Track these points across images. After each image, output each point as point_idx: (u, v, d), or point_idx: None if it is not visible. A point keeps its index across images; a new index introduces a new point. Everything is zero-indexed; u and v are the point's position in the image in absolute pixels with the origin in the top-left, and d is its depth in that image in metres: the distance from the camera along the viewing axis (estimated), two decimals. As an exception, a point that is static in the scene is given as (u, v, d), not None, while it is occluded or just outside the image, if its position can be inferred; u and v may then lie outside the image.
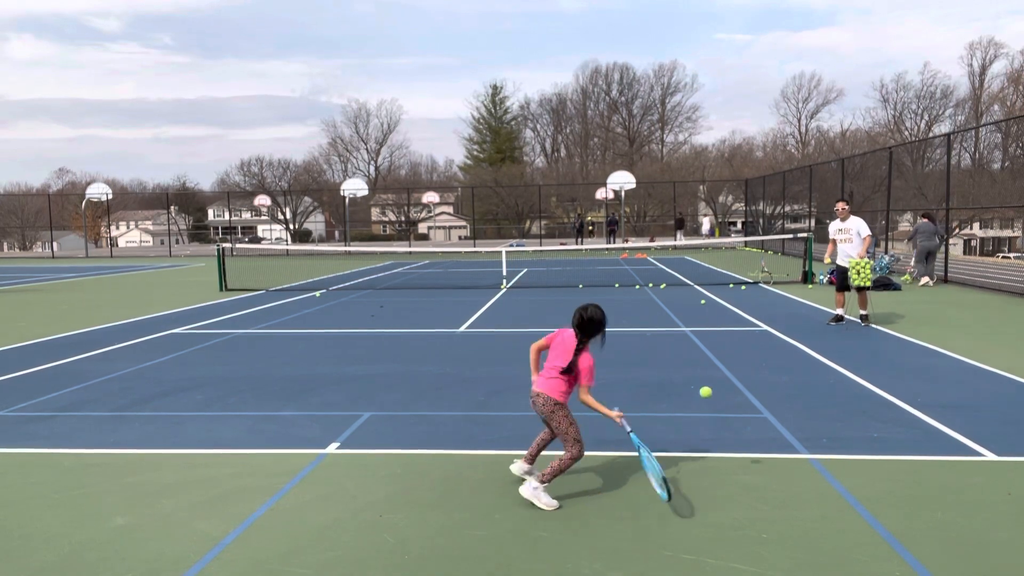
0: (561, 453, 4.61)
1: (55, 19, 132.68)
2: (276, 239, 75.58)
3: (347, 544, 4.07)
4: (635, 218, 65.86)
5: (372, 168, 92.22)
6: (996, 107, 66.23)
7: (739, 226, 61.46)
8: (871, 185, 29.25)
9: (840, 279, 11.42)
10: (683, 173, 65.53)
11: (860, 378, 7.70)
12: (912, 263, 18.82)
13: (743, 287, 17.26)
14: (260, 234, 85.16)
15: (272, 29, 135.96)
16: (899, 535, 4.03)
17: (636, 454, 5.46)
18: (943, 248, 18.72)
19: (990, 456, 5.28)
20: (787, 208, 34.87)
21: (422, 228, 79.54)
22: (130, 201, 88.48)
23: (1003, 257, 45.23)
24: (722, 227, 59.84)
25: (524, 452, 5.06)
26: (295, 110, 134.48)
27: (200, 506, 4.63)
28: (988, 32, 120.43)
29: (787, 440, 5.70)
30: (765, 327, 11.22)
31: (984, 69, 70.39)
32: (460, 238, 76.03)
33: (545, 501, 4.46)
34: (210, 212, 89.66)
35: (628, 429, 4.58)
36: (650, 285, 18.00)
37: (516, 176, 73.78)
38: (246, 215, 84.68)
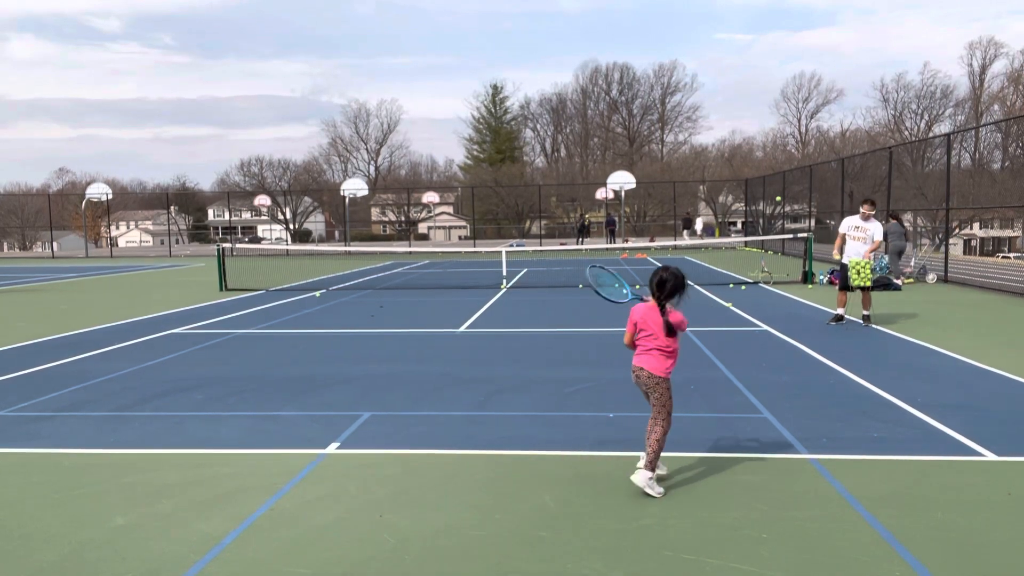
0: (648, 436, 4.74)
1: (55, 19, 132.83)
2: (276, 239, 75.57)
3: (347, 544, 4.07)
4: (635, 218, 65.87)
5: (372, 168, 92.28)
6: (996, 107, 66.24)
7: (739, 226, 61.47)
8: (871, 185, 29.24)
9: (843, 277, 11.40)
10: (683, 173, 65.54)
11: (860, 378, 7.70)
12: (912, 263, 18.83)
13: (743, 287, 17.27)
14: (260, 234, 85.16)
15: (273, 29, 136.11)
16: (899, 535, 4.03)
17: (642, 453, 5.46)
18: (943, 248, 18.73)
19: (990, 456, 5.28)
20: (787, 208, 34.87)
21: (422, 228, 79.54)
22: (130, 201, 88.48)
23: (1003, 257, 45.22)
24: (722, 227, 59.86)
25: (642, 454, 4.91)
26: (295, 110, 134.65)
27: (200, 506, 4.63)
28: (989, 32, 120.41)
29: (787, 440, 5.70)
30: (765, 327, 11.22)
31: (984, 69, 70.45)
32: (460, 238, 76.03)
33: (656, 491, 4.60)
34: (210, 212, 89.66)
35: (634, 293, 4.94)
36: (650, 285, 17.97)
37: (516, 176, 73.79)
38: (246, 215, 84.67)
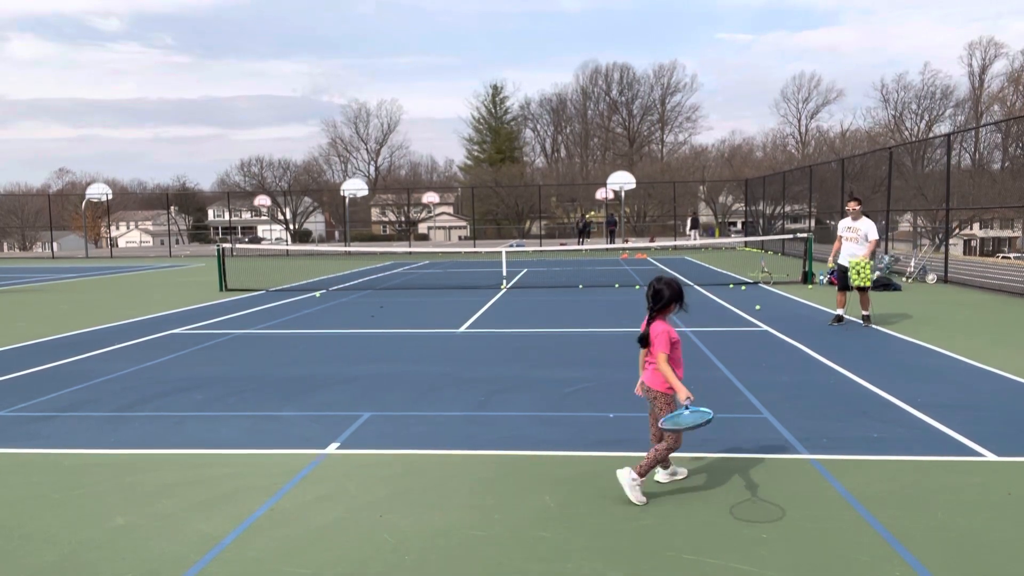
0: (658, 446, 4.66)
1: (56, 19, 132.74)
2: (276, 239, 75.57)
3: (347, 544, 4.07)
4: (635, 218, 65.88)
5: (372, 168, 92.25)
6: (996, 107, 66.25)
7: (739, 226, 61.48)
8: (871, 185, 29.23)
9: (841, 278, 11.41)
10: (683, 173, 65.53)
11: (860, 378, 7.70)
12: (912, 263, 18.83)
13: (743, 287, 17.26)
14: (260, 234, 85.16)
15: (273, 29, 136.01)
16: (899, 535, 4.03)
17: (645, 454, 5.46)
18: (943, 248, 18.72)
19: (990, 456, 5.28)
20: (787, 208, 34.87)
21: (422, 228, 79.53)
22: (130, 201, 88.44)
23: (1003, 257, 45.23)
24: (722, 227, 59.86)
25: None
26: (296, 110, 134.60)
27: (200, 506, 4.63)
28: (990, 32, 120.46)
29: (787, 440, 5.70)
30: (765, 327, 11.22)
31: (984, 69, 70.45)
32: (460, 238, 76.02)
33: (636, 496, 4.50)
34: (210, 212, 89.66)
35: (687, 409, 4.44)
36: (650, 285, 17.98)
37: (516, 176, 73.76)
38: (246, 215, 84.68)
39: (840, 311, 11.49)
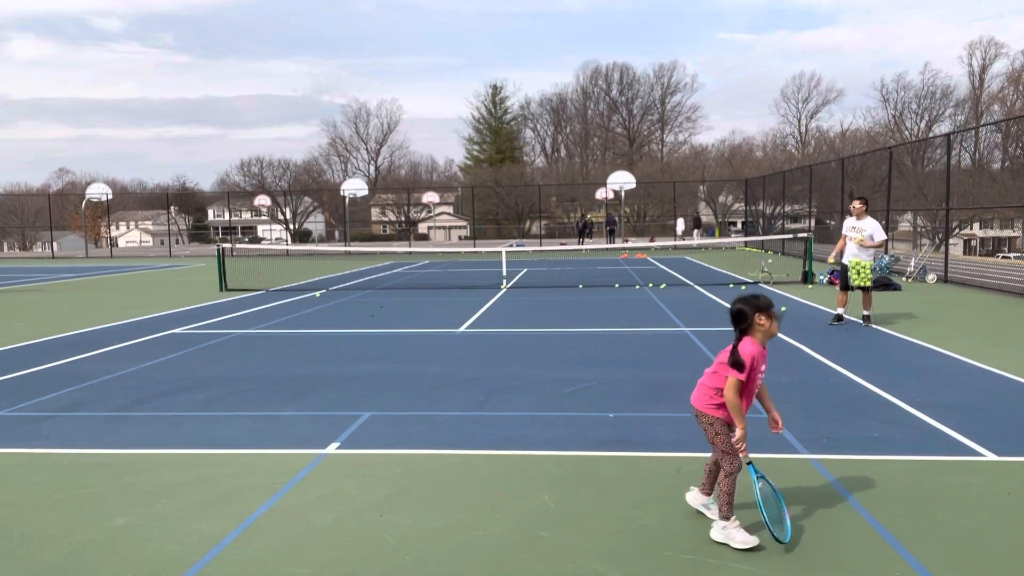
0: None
1: (57, 19, 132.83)
2: (276, 239, 75.57)
3: (347, 544, 4.07)
4: (635, 218, 65.87)
5: (372, 168, 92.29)
6: (996, 107, 66.24)
7: (739, 226, 61.47)
8: (871, 185, 29.23)
9: (843, 278, 11.41)
10: (683, 173, 65.55)
11: (860, 378, 7.70)
12: (912, 263, 18.83)
13: (743, 287, 17.26)
14: (260, 234, 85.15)
15: (274, 28, 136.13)
16: (899, 535, 4.03)
17: (645, 453, 5.46)
18: (943, 248, 18.72)
19: (990, 456, 5.28)
20: (787, 208, 34.87)
21: (422, 228, 79.53)
22: (130, 201, 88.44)
23: (1003, 257, 45.23)
24: (722, 227, 59.85)
25: (698, 483, 4.45)
26: (297, 109, 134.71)
27: (200, 506, 4.63)
28: (991, 32, 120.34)
29: (787, 440, 5.70)
30: (765, 327, 11.21)
31: (984, 69, 70.47)
32: (460, 238, 76.02)
33: (740, 539, 3.91)
34: (210, 212, 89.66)
35: (747, 460, 4.06)
36: (650, 285, 18.01)
37: (516, 176, 73.77)
38: (246, 215, 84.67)
39: (840, 310, 11.49)
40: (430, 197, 52.86)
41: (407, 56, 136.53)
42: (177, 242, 67.93)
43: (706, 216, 59.13)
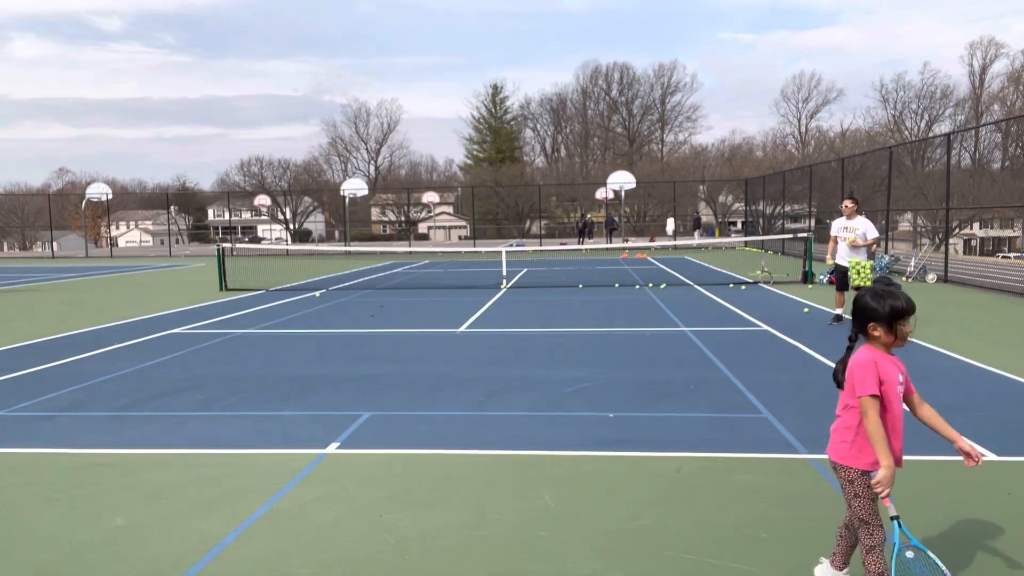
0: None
1: (57, 18, 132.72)
2: (276, 239, 75.56)
3: (347, 544, 4.07)
4: (635, 218, 65.86)
5: (372, 168, 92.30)
6: (996, 107, 66.26)
7: (739, 226, 61.48)
8: (871, 185, 29.24)
9: (840, 279, 11.41)
10: (683, 173, 65.54)
11: (860, 378, 7.68)
12: (912, 263, 18.82)
13: (743, 287, 17.26)
14: (260, 234, 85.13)
15: (274, 28, 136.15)
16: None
17: (645, 453, 5.46)
18: (943, 248, 18.72)
19: (990, 456, 5.28)
20: (787, 208, 34.87)
21: (422, 228, 79.54)
22: (130, 201, 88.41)
23: (1003, 257, 45.21)
24: (722, 227, 59.86)
25: (829, 553, 3.59)
26: (297, 109, 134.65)
27: (200, 506, 4.63)
28: (992, 32, 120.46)
29: (787, 440, 5.70)
30: (765, 327, 11.22)
31: (984, 69, 70.48)
32: (460, 238, 76.02)
33: None
34: (210, 212, 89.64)
35: (892, 513, 3.21)
36: (650, 285, 18.01)
37: (516, 176, 73.79)
38: (246, 215, 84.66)
39: (839, 310, 11.49)
40: (430, 197, 52.86)
41: (407, 56, 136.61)
42: (177, 242, 67.94)
43: (706, 216, 59.14)
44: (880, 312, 3.12)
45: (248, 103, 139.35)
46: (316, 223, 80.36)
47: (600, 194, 46.24)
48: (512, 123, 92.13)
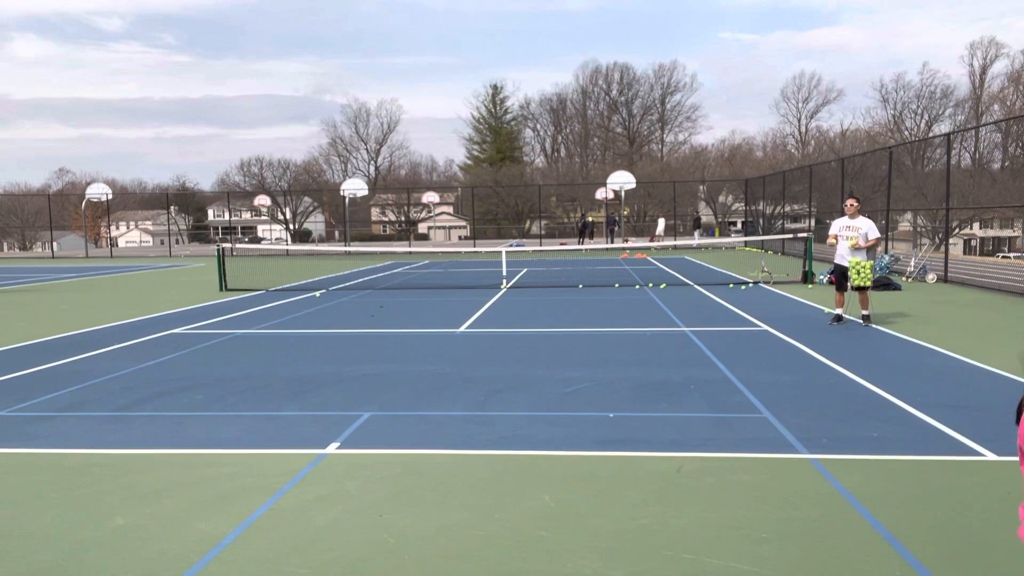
0: None
1: (58, 18, 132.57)
2: (276, 239, 75.57)
3: (347, 544, 4.07)
4: (635, 218, 65.86)
5: (372, 168, 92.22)
6: (996, 107, 66.27)
7: (739, 226, 61.48)
8: (871, 185, 29.26)
9: (839, 278, 11.41)
10: (683, 173, 65.52)
11: (860, 378, 7.70)
12: (912, 263, 18.83)
13: (743, 287, 17.26)
14: (260, 234, 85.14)
15: (274, 28, 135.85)
16: (899, 535, 4.03)
17: (645, 453, 5.46)
18: (943, 248, 18.73)
19: (990, 456, 5.28)
20: (787, 208, 34.87)
21: (422, 228, 79.52)
22: (130, 201, 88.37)
23: (1003, 257, 45.22)
24: (722, 227, 59.87)
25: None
26: (298, 109, 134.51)
27: (200, 506, 4.63)
28: (994, 32, 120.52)
29: (787, 440, 5.70)
30: (765, 327, 11.22)
31: (985, 69, 70.48)
32: (460, 238, 76.01)
33: None
34: (210, 212, 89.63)
35: None
36: (650, 285, 18.01)
37: (516, 176, 73.74)
38: (246, 215, 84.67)
39: (839, 310, 11.49)
40: (430, 197, 52.86)
41: (407, 56, 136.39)
42: (177, 242, 67.92)
43: (706, 216, 59.15)
44: None
45: (248, 103, 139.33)
46: (316, 223, 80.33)
47: (600, 194, 46.22)
48: (512, 123, 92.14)
